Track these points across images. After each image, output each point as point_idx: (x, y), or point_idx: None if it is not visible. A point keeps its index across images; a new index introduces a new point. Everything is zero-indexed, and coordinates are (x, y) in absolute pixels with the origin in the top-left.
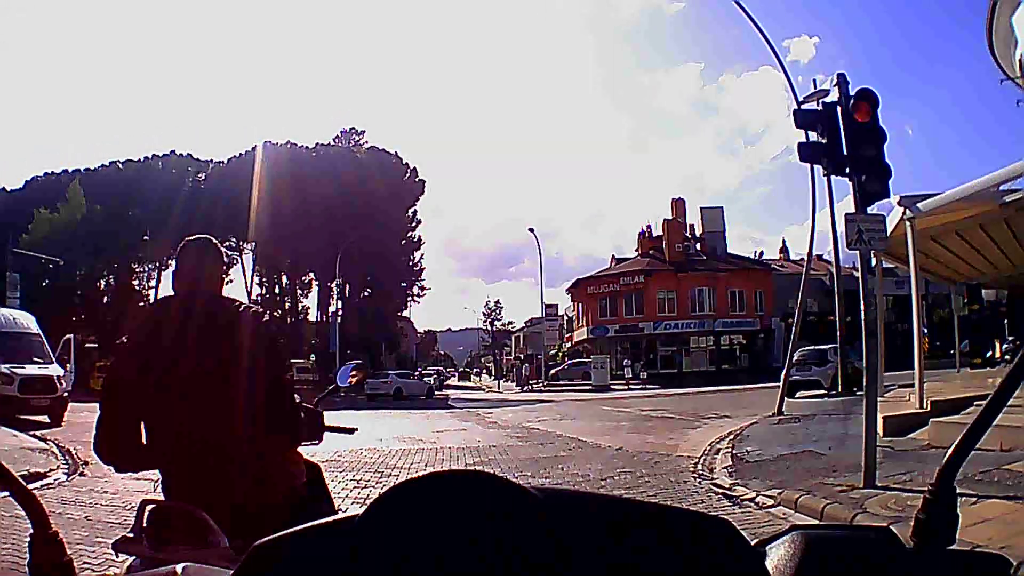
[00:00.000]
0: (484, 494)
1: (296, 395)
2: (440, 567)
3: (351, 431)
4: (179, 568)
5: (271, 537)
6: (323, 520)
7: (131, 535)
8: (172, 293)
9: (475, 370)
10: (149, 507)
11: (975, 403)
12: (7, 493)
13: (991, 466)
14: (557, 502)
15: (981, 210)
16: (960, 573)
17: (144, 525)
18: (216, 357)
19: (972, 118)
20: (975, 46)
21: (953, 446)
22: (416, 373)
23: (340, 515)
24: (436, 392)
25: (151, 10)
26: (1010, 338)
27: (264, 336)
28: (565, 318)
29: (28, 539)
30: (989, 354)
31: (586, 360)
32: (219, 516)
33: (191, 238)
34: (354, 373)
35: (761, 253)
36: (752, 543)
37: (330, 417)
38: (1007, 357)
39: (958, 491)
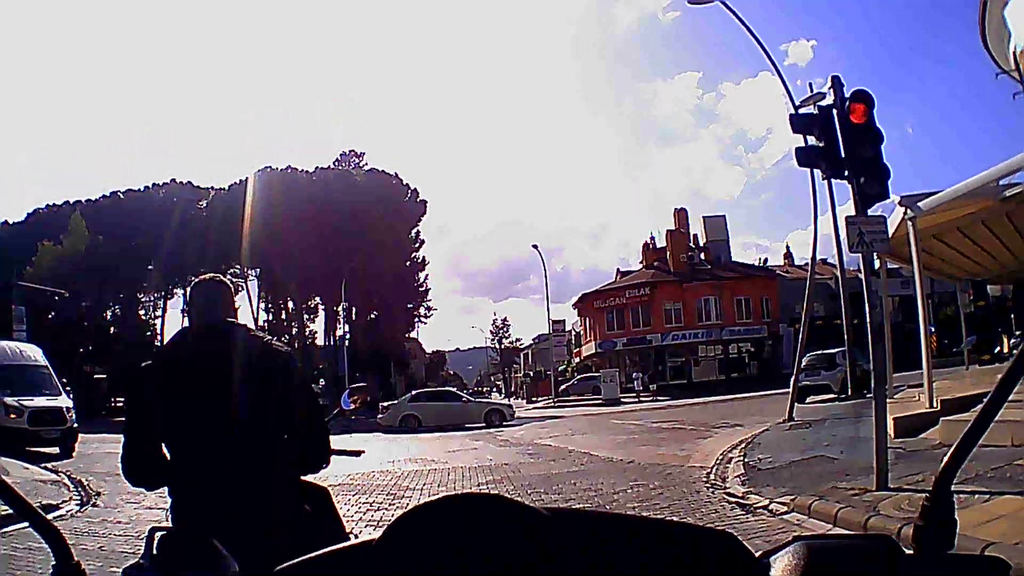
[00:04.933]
0: (494, 515)
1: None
2: None
3: (358, 453)
4: None
5: (293, 562)
6: (342, 545)
7: (142, 562)
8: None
9: (486, 388)
10: (158, 534)
11: (985, 400)
12: (25, 524)
13: (1003, 462)
14: (564, 521)
15: (982, 206)
16: None
17: (154, 552)
18: (224, 386)
19: (972, 114)
20: (970, 41)
21: (950, 453)
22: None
23: (358, 539)
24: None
25: (147, 37)
26: (1017, 332)
27: (284, 369)
28: (573, 333)
29: (50, 571)
30: (997, 349)
31: (595, 374)
32: (228, 542)
33: (201, 277)
34: (356, 397)
35: (765, 260)
36: (757, 554)
37: (338, 440)
38: (1015, 352)
39: (971, 489)
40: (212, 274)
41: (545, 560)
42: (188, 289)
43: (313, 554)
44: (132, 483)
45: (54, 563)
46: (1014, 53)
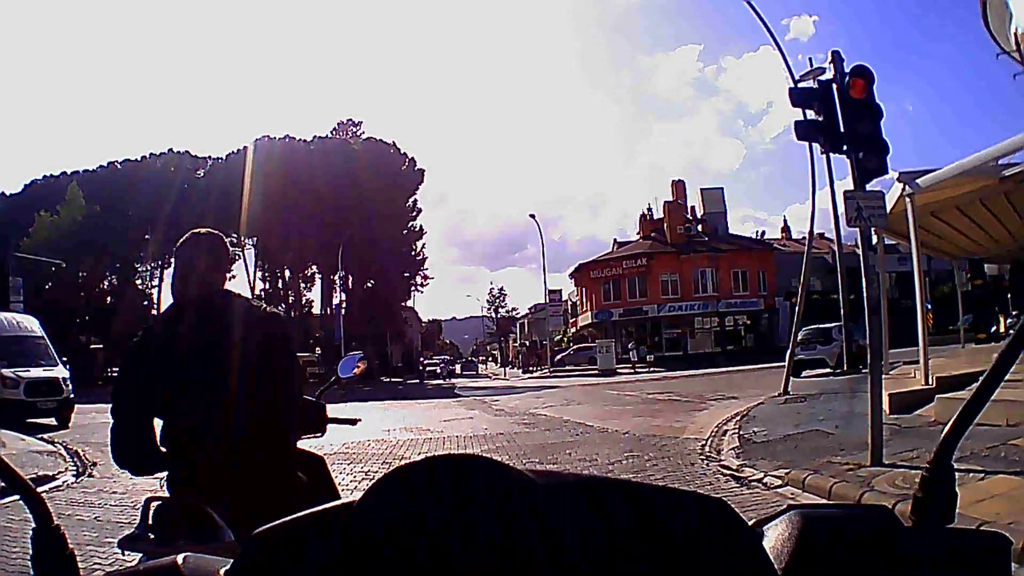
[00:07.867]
0: (480, 477)
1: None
2: (437, 550)
3: (354, 422)
4: (180, 558)
5: (270, 525)
6: (321, 507)
7: (137, 532)
8: (175, 294)
9: (480, 357)
10: (154, 504)
11: (983, 375)
12: (16, 497)
13: (998, 442)
14: (552, 484)
15: (981, 184)
16: (959, 551)
17: (149, 522)
18: (221, 355)
19: (973, 93)
20: (971, 21)
21: (949, 424)
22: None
23: (338, 501)
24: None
25: (144, 7)
26: (1014, 312)
27: (269, 333)
28: (569, 303)
29: (31, 533)
30: (993, 329)
31: (591, 345)
32: (224, 511)
33: (189, 233)
34: (360, 364)
35: (763, 233)
36: (750, 523)
37: (334, 409)
38: (1012, 332)
39: (965, 467)
40: (207, 230)
41: (531, 523)
42: (178, 246)
43: (291, 516)
44: (123, 466)
45: (33, 526)
46: (1015, 34)
